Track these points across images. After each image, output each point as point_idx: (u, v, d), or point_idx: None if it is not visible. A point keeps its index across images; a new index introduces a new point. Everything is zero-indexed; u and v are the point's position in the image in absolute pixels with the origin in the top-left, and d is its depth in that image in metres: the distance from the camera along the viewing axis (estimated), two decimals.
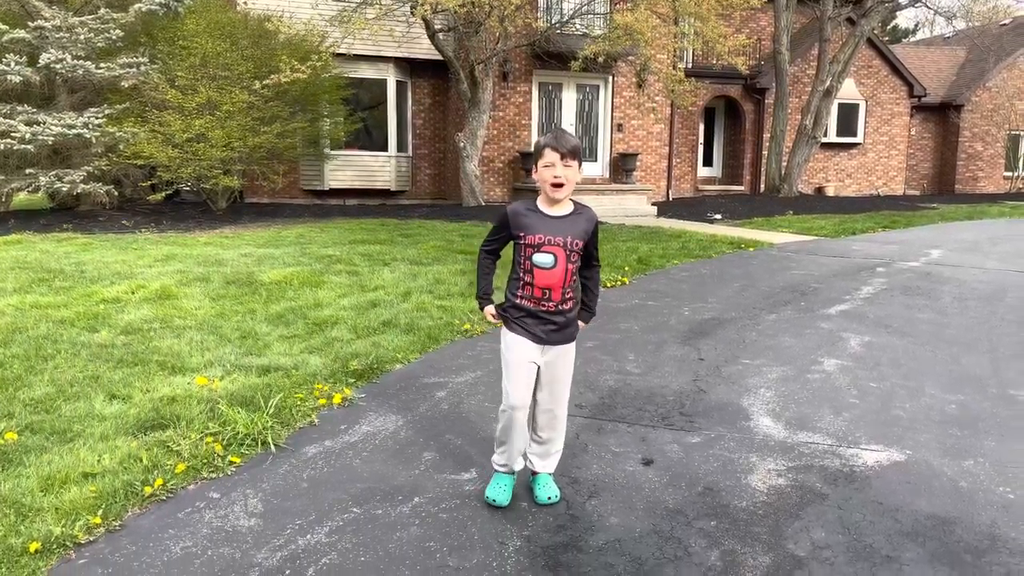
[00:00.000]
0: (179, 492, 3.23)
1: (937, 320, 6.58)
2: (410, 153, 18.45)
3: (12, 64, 10.99)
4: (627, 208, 16.54)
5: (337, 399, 4.29)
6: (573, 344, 3.10)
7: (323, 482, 3.35)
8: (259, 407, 4.00)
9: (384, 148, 17.85)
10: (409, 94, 18.20)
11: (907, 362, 5.31)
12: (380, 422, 4.05)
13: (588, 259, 3.07)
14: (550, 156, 2.87)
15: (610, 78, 18.25)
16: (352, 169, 17.52)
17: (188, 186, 13.74)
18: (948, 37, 32.16)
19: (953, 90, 26.82)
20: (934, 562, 2.78)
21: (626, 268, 8.77)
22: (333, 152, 16.64)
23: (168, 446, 3.55)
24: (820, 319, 6.54)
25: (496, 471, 3.20)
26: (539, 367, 3.03)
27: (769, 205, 17.85)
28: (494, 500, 3.09)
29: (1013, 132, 26.50)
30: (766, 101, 22.45)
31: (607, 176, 18.68)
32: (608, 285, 7.85)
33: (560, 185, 2.88)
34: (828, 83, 19.76)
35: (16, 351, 4.95)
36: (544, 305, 2.96)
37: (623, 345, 5.65)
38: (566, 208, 2.99)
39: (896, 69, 23.98)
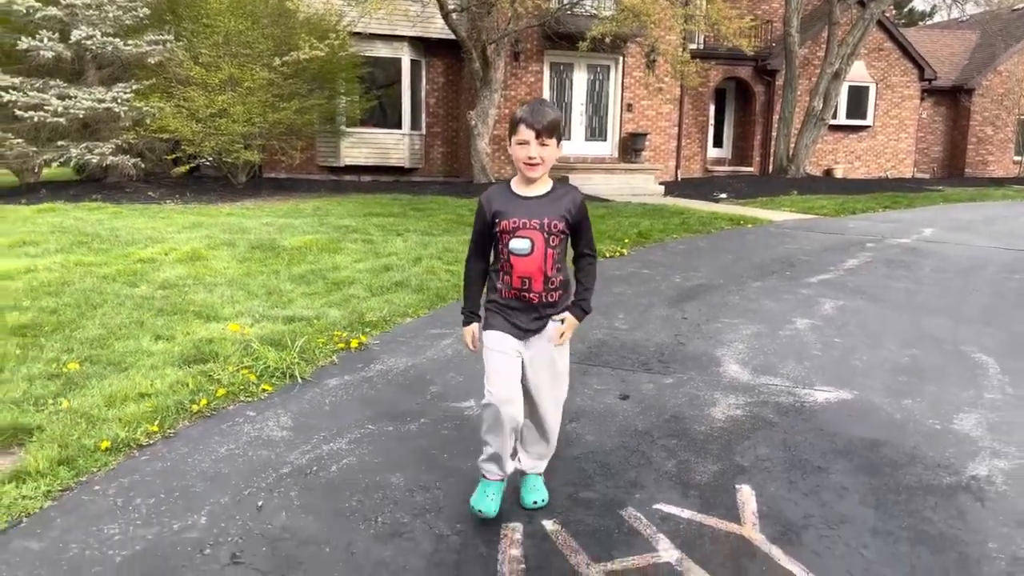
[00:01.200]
0: (221, 411, 3.79)
1: (911, 289, 7.04)
2: (423, 131, 18.91)
3: (45, 40, 11.53)
4: (635, 187, 16.97)
5: (354, 344, 4.84)
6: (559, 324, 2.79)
7: (343, 406, 3.90)
8: (286, 347, 4.55)
9: (398, 126, 18.32)
10: (423, 73, 18.63)
11: (874, 323, 5.80)
12: (392, 362, 4.60)
13: (577, 247, 2.76)
14: (525, 133, 2.57)
15: (620, 59, 18.60)
16: (367, 146, 18.01)
17: (208, 161, 14.27)
18: (963, 20, 32.17)
19: (965, 74, 26.93)
20: (857, 472, 3.30)
21: (626, 240, 9.25)
22: (348, 129, 17.13)
23: (209, 375, 4.12)
24: (801, 287, 7.02)
25: (483, 477, 2.84)
26: (523, 364, 2.75)
27: (775, 185, 18.22)
28: (480, 511, 2.75)
29: (1023, 116, 26.61)
30: (776, 83, 22.70)
31: (616, 156, 19.08)
32: (607, 255, 8.34)
33: (535, 165, 2.61)
34: (837, 66, 20.02)
35: (67, 300, 5.52)
36: (526, 296, 2.68)
37: (615, 306, 6.16)
38: (543, 187, 2.69)
39: (907, 52, 24.13)
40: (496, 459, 2.78)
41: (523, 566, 2.54)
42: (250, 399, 3.95)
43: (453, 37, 16.38)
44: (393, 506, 2.93)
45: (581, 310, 2.78)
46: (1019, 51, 26.69)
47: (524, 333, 2.73)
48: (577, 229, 2.71)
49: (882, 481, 3.23)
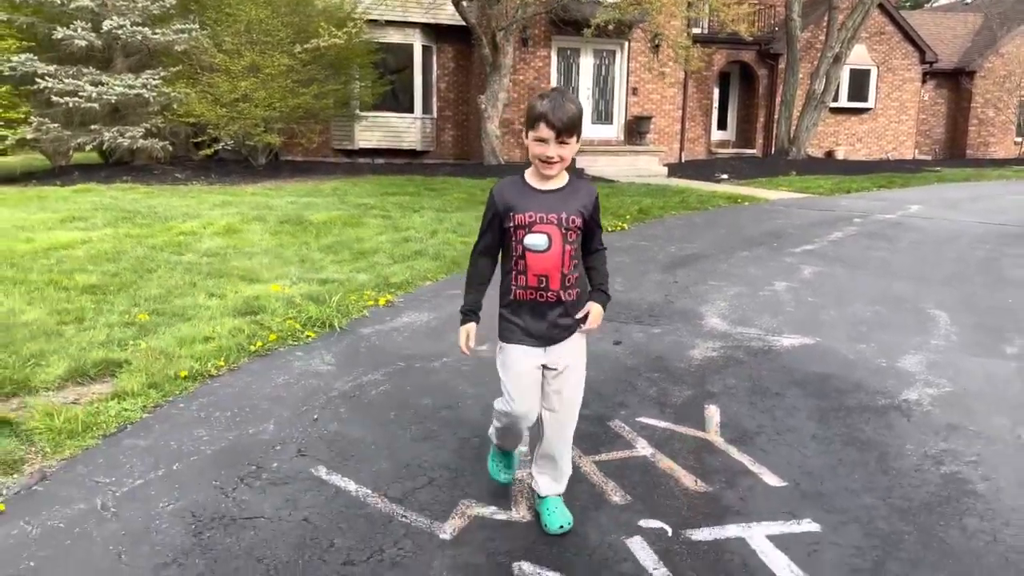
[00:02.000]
0: (274, 351, 4.47)
1: (887, 257, 7.66)
2: (435, 115, 19.50)
3: (79, 29, 12.19)
4: (640, 169, 17.56)
5: (382, 301, 5.51)
6: (582, 339, 2.67)
7: (376, 348, 4.58)
8: (324, 302, 5.24)
9: (410, 110, 18.94)
10: (434, 58, 19.21)
11: (846, 285, 6.43)
12: (416, 316, 5.27)
13: (589, 243, 2.62)
14: (544, 131, 2.41)
15: (626, 44, 19.12)
16: (380, 130, 18.63)
17: (228, 145, 14.91)
18: (966, 3, 32.40)
19: (967, 56, 27.27)
20: (807, 397, 3.95)
21: (627, 217, 9.88)
22: (362, 113, 17.75)
23: (260, 323, 4.80)
24: (786, 256, 7.65)
25: (495, 448, 2.90)
26: (543, 375, 2.62)
27: (776, 167, 18.75)
28: (498, 479, 2.91)
29: None
30: (779, 66, 23.15)
31: (622, 138, 19.65)
32: (609, 230, 8.97)
33: (552, 164, 2.46)
34: (837, 49, 20.48)
35: (125, 266, 6.21)
36: (543, 296, 2.51)
37: (614, 272, 6.73)
38: (560, 181, 2.55)
39: (908, 35, 24.51)
40: (505, 449, 2.87)
41: (528, 458, 3.21)
42: (297, 343, 4.63)
43: (463, 23, 16.95)
44: (424, 419, 3.61)
45: (604, 294, 2.65)
46: (1021, 33, 26.99)
47: (545, 343, 2.57)
48: (592, 225, 2.58)
49: (828, 403, 3.88)
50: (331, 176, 14.46)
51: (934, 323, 5.34)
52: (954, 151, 27.84)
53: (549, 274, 2.50)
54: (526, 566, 2.47)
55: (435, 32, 18.82)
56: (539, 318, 2.55)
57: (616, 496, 2.94)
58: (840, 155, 24.23)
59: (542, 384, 2.62)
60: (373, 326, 5.02)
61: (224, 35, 13.29)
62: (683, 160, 21.23)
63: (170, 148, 13.62)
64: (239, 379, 4.06)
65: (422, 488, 2.97)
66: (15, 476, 3.00)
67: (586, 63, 19.27)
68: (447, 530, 2.69)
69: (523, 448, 3.03)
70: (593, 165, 17.11)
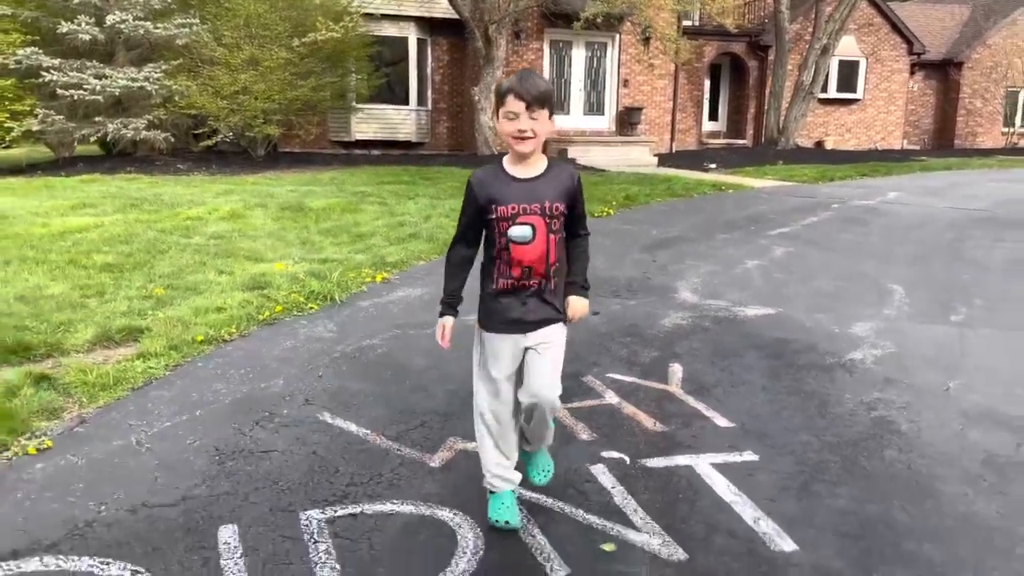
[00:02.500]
0: (280, 320, 4.89)
1: (857, 240, 8.09)
2: (429, 107, 19.87)
3: (83, 24, 12.54)
4: (631, 159, 17.94)
5: (379, 278, 5.94)
6: (562, 327, 2.61)
7: (374, 317, 5.00)
8: (325, 278, 5.66)
9: (405, 102, 19.31)
10: (429, 51, 19.56)
11: (814, 264, 6.86)
12: (410, 291, 5.69)
13: (572, 228, 2.57)
14: (513, 104, 2.35)
15: (617, 36, 19.50)
16: (376, 122, 19.00)
17: (227, 137, 15.23)
18: None
19: (955, 47, 27.69)
20: (763, 357, 4.39)
21: (613, 203, 10.30)
22: (359, 106, 18.12)
23: (267, 296, 5.22)
24: (761, 238, 8.08)
25: (491, 492, 2.66)
26: (524, 358, 2.57)
27: (764, 156, 19.15)
28: (506, 522, 2.58)
29: (1011, 89, 27.38)
30: (769, 58, 23.52)
31: (613, 129, 20.04)
32: (595, 215, 9.38)
33: (526, 139, 2.39)
34: (825, 41, 20.87)
35: (137, 247, 6.62)
36: (525, 285, 2.49)
37: (595, 253, 7.17)
38: (539, 166, 2.48)
39: (896, 27, 24.90)
40: (499, 462, 2.64)
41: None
42: (301, 313, 5.05)
43: (457, 17, 17.30)
44: (416, 375, 4.03)
45: (582, 288, 2.63)
46: (1008, 25, 27.42)
47: (524, 327, 2.53)
48: (574, 208, 2.53)
49: (780, 362, 4.32)
50: (328, 167, 14.84)
51: (890, 296, 5.78)
52: (943, 141, 28.27)
53: (534, 265, 2.45)
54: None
55: (430, 25, 19.18)
56: (520, 306, 2.50)
57: (584, 434, 3.37)
58: (829, 145, 24.64)
59: (523, 367, 2.57)
60: (371, 299, 5.45)
61: (224, 29, 13.65)
62: (674, 150, 21.62)
63: (172, 140, 13.99)
64: (250, 343, 4.48)
65: (415, 429, 3.40)
66: (56, 421, 3.42)
67: (578, 55, 19.65)
68: (436, 460, 3.12)
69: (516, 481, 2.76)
70: (585, 155, 17.50)
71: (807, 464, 3.13)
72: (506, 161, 2.51)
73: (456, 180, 12.34)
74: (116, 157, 14.88)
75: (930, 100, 28.39)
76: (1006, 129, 28.06)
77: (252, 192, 10.37)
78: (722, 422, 3.52)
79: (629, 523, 2.68)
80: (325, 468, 3.02)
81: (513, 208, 2.43)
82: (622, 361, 4.29)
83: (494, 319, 2.56)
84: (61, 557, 2.42)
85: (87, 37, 12.66)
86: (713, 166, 17.16)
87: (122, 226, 7.49)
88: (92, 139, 13.73)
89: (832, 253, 7.39)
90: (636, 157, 18.10)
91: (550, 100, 2.40)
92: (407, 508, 2.75)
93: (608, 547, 2.53)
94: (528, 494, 2.84)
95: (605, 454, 3.18)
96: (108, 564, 2.38)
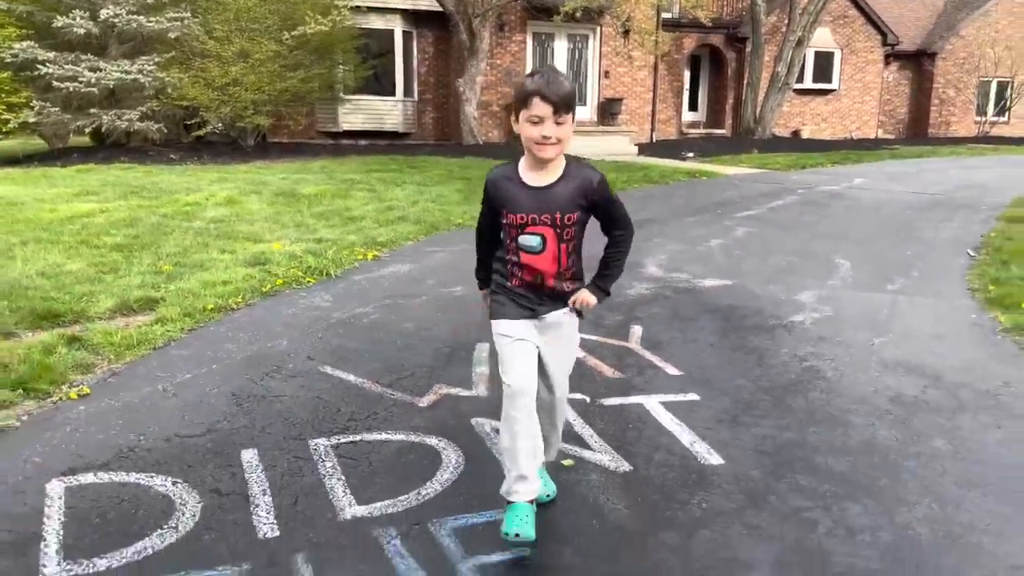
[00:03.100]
0: (281, 292, 5.39)
1: (816, 221, 8.66)
2: (415, 98, 20.29)
3: (78, 18, 12.89)
4: (612, 148, 18.45)
5: (370, 256, 6.43)
6: (574, 319, 2.60)
7: (367, 289, 5.50)
8: (320, 256, 6.15)
9: (392, 93, 19.71)
10: (414, 43, 19.97)
11: (772, 242, 7.41)
12: (399, 267, 6.19)
13: (606, 227, 2.52)
14: (539, 107, 2.24)
15: (598, 28, 19.98)
16: (363, 112, 19.41)
17: (217, 127, 15.58)
18: None
19: (929, 38, 28.35)
20: (715, 320, 4.93)
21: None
22: (346, 97, 18.52)
23: (268, 272, 5.71)
24: (727, 220, 8.63)
25: (510, 501, 2.42)
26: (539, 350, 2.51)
27: (741, 146, 19.72)
28: (517, 534, 2.32)
29: (983, 79, 28.11)
30: (746, 50, 24.05)
31: (595, 119, 20.54)
32: None
33: (550, 145, 2.28)
34: (799, 34, 21.44)
35: (142, 230, 7.08)
36: (538, 289, 2.47)
37: None
38: (554, 173, 2.37)
39: (870, 18, 25.51)
40: (518, 466, 2.41)
41: (487, 367, 4.15)
42: (299, 286, 5.54)
43: (442, 10, 17.73)
44: (406, 337, 4.54)
45: (599, 289, 2.56)
46: (981, 16, 28.10)
47: (536, 312, 2.49)
48: (600, 211, 2.45)
49: (729, 324, 4.86)
50: (317, 156, 15.25)
51: (836, 269, 6.34)
52: (917, 130, 28.95)
53: (544, 273, 2.43)
54: (480, 419, 3.42)
55: (415, 18, 19.57)
56: (534, 298, 2.48)
57: None
58: (806, 134, 25.25)
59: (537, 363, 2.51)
60: (363, 274, 5.94)
61: (215, 23, 14.02)
62: (654, 140, 22.15)
63: (164, 130, 14.37)
64: (255, 312, 4.97)
65: (405, 378, 3.91)
66: (90, 375, 3.90)
67: (560, 47, 20.11)
68: (424, 401, 3.64)
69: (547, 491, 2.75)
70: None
71: (740, 402, 3.67)
72: (523, 164, 2.40)
73: (442, 169, 12.82)
74: (109, 148, 15.22)
75: (905, 90, 29.05)
76: (979, 118, 28.77)
77: (245, 180, 10.81)
78: (672, 371, 4.06)
79: (586, 445, 3.21)
80: (328, 408, 3.53)
81: (522, 218, 2.36)
82: (589, 324, 4.80)
83: (505, 305, 2.50)
84: (112, 473, 2.92)
85: (82, 31, 13.02)
86: (690, 155, 17.71)
87: (126, 211, 7.93)
88: (87, 130, 14.08)
89: (790, 233, 7.94)
90: (617, 147, 18.61)
91: (575, 102, 2.31)
92: (399, 436, 3.26)
93: (567, 463, 3.06)
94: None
95: (569, 396, 3.70)
96: (152, 477, 2.88)
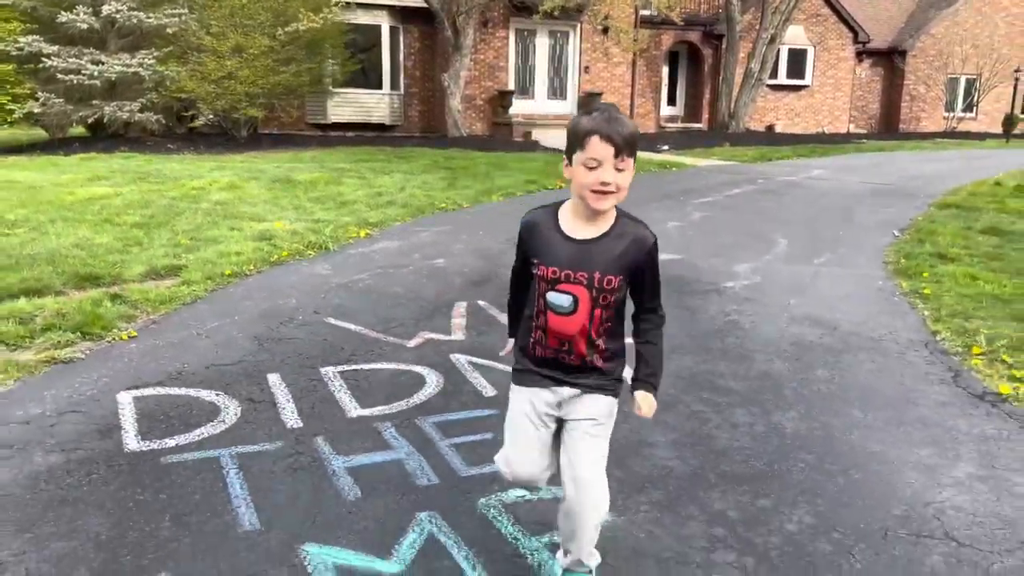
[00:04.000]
0: (286, 262, 6.19)
1: (767, 206, 9.54)
2: (402, 91, 21.04)
3: (81, 14, 13.57)
4: None
5: (363, 234, 7.24)
6: (610, 399, 2.14)
7: (361, 261, 6.31)
8: (319, 233, 6.95)
9: (379, 87, 20.45)
10: (401, 38, 20.70)
11: (723, 224, 8.28)
12: (389, 243, 7.01)
13: (638, 301, 2.14)
14: (599, 149, 1.93)
15: (578, 25, 20.80)
16: (351, 105, 20.14)
17: (209, 119, 16.25)
18: None
19: (900, 36, 29.36)
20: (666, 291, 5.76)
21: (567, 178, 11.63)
22: (335, 90, 19.25)
23: (274, 245, 6.51)
24: (687, 206, 9.49)
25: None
26: (558, 424, 2.15)
27: (715, 139, 20.62)
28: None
29: (952, 76, 29.15)
30: (723, 47, 24.97)
31: (575, 113, 21.35)
32: (549, 187, 10.73)
33: (608, 194, 1.96)
34: (772, 32, 22.36)
35: (154, 211, 7.84)
36: (564, 359, 2.09)
37: None
38: (601, 225, 2.04)
39: (842, 17, 26.46)
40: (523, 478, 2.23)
41: (464, 319, 4.98)
42: (303, 258, 6.35)
43: (427, 6, 18.48)
44: (396, 298, 5.36)
45: (652, 387, 2.13)
46: (950, 15, 29.12)
47: (560, 384, 2.10)
48: (640, 279, 2.09)
49: (672, 288, 5.70)
50: (308, 147, 15.98)
51: (774, 246, 7.21)
52: (889, 125, 29.99)
53: (572, 340, 2.04)
54: (456, 355, 4.25)
55: (401, 14, 20.31)
56: (557, 369, 2.10)
57: None
58: (779, 129, 26.20)
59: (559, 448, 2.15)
60: (357, 249, 6.75)
61: (211, 19, 14.72)
62: None
63: (163, 121, 15.06)
64: (266, 277, 5.78)
65: (396, 327, 4.73)
66: (134, 323, 4.70)
67: (542, 43, 20.92)
68: (411, 343, 4.46)
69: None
70: (547, 137, 18.80)
71: (670, 344, 4.48)
72: (566, 211, 2.08)
73: (427, 159, 13.61)
74: (108, 138, 15.90)
75: (877, 86, 30.06)
76: (947, 114, 29.82)
77: (242, 168, 11.56)
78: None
79: None
80: (333, 347, 4.34)
81: (554, 272, 2.00)
82: None
83: (526, 376, 2.16)
84: (166, 388, 3.72)
85: (84, 26, 13.69)
86: (665, 148, 18.57)
87: (138, 195, 8.68)
88: (90, 120, 14.72)
89: (741, 216, 8.81)
90: None
91: (637, 145, 1.99)
92: (392, 366, 4.09)
93: None
94: (479, 360, 4.19)
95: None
96: (199, 391, 3.69)
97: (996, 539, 2.64)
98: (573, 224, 2.06)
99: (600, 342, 2.07)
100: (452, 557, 2.45)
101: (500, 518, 2.68)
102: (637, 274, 2.08)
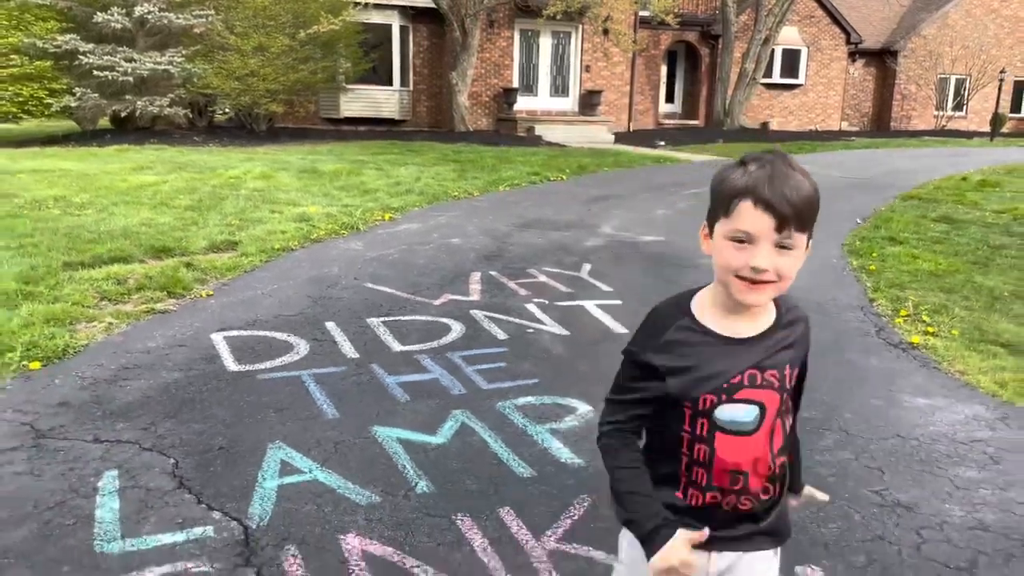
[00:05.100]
0: (324, 240, 7.19)
1: None
2: (411, 87, 22.00)
3: (115, 14, 14.54)
4: (591, 137, 20.25)
5: (387, 217, 8.24)
6: (775, 557, 1.58)
7: (388, 239, 7.31)
8: (350, 216, 7.94)
9: (389, 83, 21.42)
10: (410, 37, 21.66)
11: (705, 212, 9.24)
12: (411, 225, 8.00)
13: (797, 402, 1.61)
14: (752, 220, 1.38)
15: (580, 26, 21.74)
16: (362, 101, 21.12)
17: (223, 112, 17.21)
18: None
19: (892, 37, 30.27)
20: (644, 261, 6.76)
21: (567, 171, 12.63)
22: (348, 86, 20.22)
23: (312, 225, 7.51)
24: (675, 196, 10.47)
25: None
26: None
27: (709, 136, 21.57)
28: None
29: (942, 76, 30.07)
30: (719, 46, 25.92)
31: (576, 110, 22.33)
32: (551, 179, 11.71)
33: (764, 284, 1.40)
34: (766, 33, 23.28)
35: (201, 196, 8.82)
36: (736, 502, 1.49)
37: (548, 204, 9.58)
38: (766, 317, 1.50)
39: (835, 18, 27.38)
40: None
41: (479, 284, 5.97)
42: (338, 237, 7.35)
43: (436, 6, 19.43)
44: (420, 267, 6.35)
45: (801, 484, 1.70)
46: (940, 16, 30.04)
47: (716, 544, 1.51)
48: (805, 369, 1.58)
49: (653, 263, 6.70)
50: (324, 140, 16.95)
51: None
52: (881, 124, 30.92)
53: (750, 468, 1.48)
54: (476, 311, 5.24)
55: (411, 14, 21.26)
56: (715, 521, 1.50)
57: (522, 291, 5.73)
58: (774, 126, 27.13)
59: None
60: (384, 229, 7.75)
61: (235, 20, 15.69)
62: (631, 129, 23.97)
63: (190, 116, 16.04)
64: (308, 252, 6.78)
65: (423, 290, 5.72)
66: (207, 286, 5.69)
67: (545, 43, 21.86)
68: (437, 302, 5.45)
69: None
70: (550, 133, 19.76)
71: (647, 304, 5.48)
72: (701, 304, 1.52)
73: (437, 153, 14.59)
74: (137, 131, 16.89)
75: (870, 85, 30.99)
76: (938, 112, 30.76)
77: (269, 160, 12.54)
78: (606, 288, 5.90)
79: (539, 322, 5.05)
80: (374, 304, 5.34)
81: (737, 380, 1.45)
82: (554, 262, 6.65)
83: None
84: (249, 331, 4.72)
85: (118, 26, 14.66)
86: (662, 144, 19.54)
87: (182, 182, 9.67)
88: (122, 114, 15.66)
89: None
90: (595, 135, 20.42)
91: (816, 215, 1.45)
92: (423, 318, 5.08)
93: (530, 330, 4.89)
94: (493, 314, 5.19)
95: (534, 300, 5.54)
96: (274, 333, 4.69)
97: (877, 431, 3.63)
98: (726, 321, 1.47)
99: (774, 464, 1.50)
100: (479, 435, 3.44)
101: (513, 414, 3.67)
102: (804, 365, 1.57)
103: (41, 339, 4.25)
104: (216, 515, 2.72)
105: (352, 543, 2.58)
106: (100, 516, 2.69)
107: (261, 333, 4.68)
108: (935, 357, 4.63)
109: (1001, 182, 12.36)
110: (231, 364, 4.18)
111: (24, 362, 4.00)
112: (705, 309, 1.49)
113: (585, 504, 2.87)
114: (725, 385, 1.43)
